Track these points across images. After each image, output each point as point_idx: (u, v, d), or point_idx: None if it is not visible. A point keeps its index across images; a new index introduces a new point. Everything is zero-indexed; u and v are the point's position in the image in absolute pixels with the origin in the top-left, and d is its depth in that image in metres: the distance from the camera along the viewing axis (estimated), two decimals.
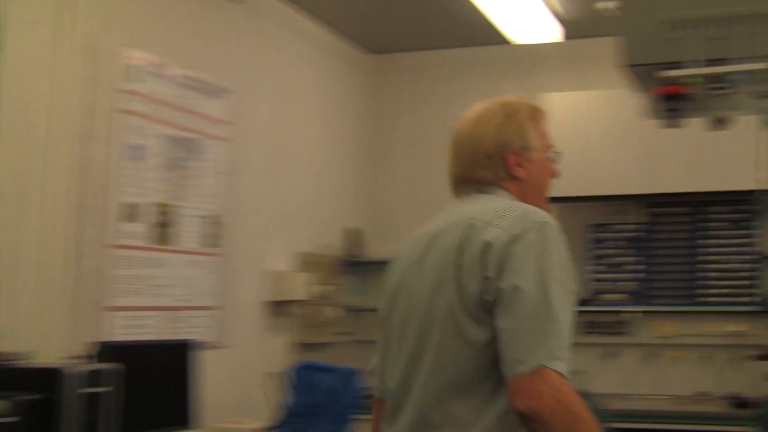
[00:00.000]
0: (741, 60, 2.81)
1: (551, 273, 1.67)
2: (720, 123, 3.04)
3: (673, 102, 2.91)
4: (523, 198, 1.87)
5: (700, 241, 5.32)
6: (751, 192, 4.91)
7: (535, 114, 1.94)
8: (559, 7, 5.18)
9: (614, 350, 5.51)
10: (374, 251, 5.91)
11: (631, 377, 5.48)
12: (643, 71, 2.98)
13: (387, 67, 6.19)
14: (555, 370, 1.62)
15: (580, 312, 5.71)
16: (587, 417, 1.63)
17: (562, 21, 5.37)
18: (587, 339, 5.52)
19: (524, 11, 5.14)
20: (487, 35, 5.57)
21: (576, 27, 5.46)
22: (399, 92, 6.17)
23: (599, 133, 5.30)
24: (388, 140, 6.15)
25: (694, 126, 3.16)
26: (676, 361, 5.40)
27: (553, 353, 1.62)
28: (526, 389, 1.61)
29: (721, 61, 2.86)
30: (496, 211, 1.76)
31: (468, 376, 1.72)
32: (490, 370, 1.70)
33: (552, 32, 5.49)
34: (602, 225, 5.52)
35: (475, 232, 1.74)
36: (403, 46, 6.05)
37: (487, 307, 1.69)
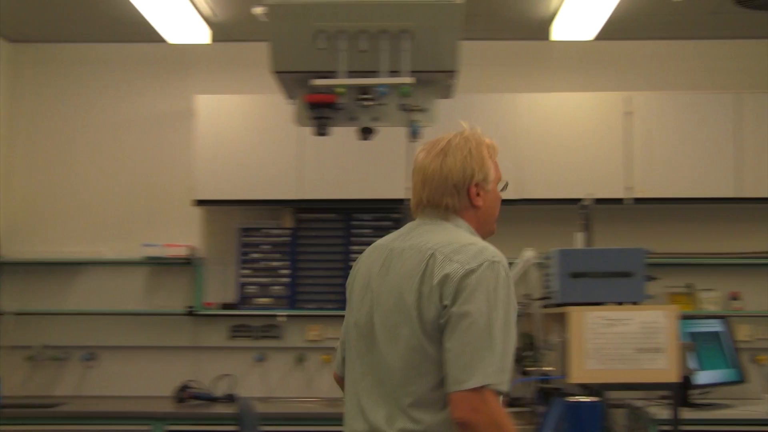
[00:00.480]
0: (388, 73, 2.92)
1: (497, 305, 1.97)
2: (368, 133, 3.14)
3: (322, 110, 2.96)
4: (479, 222, 2.22)
5: (351, 247, 5.51)
6: (400, 200, 5.18)
7: (492, 149, 2.30)
8: (207, 9, 5.13)
9: (265, 354, 5.57)
10: (11, 252, 5.53)
11: (283, 380, 5.57)
12: (293, 78, 2.99)
13: (29, 58, 5.75)
14: (491, 390, 1.93)
15: (229, 316, 5.71)
16: None
17: (211, 23, 5.34)
18: (238, 343, 5.54)
19: (175, 10, 5.01)
20: (140, 32, 5.37)
21: (228, 30, 5.45)
22: (42, 85, 5.75)
23: (250, 138, 5.31)
24: (29, 135, 5.72)
25: (346, 135, 3.25)
26: (326, 364, 5.57)
27: (489, 376, 1.93)
28: (464, 404, 1.93)
29: (369, 73, 2.95)
30: (456, 246, 2.06)
31: (435, 385, 2.02)
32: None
33: (202, 33, 5.42)
34: (253, 229, 5.53)
35: (436, 263, 2.04)
36: (47, 36, 5.66)
37: (441, 329, 2.00)
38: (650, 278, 3.73)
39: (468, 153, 2.23)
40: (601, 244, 4.09)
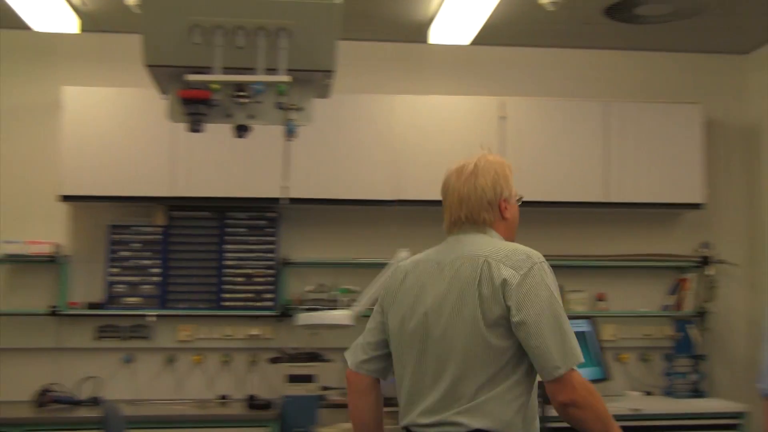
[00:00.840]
0: (265, 71, 2.89)
1: (554, 300, 2.37)
2: (243, 131, 3.10)
3: (196, 106, 2.90)
4: (507, 231, 2.60)
5: (225, 246, 5.44)
6: (275, 200, 5.15)
7: (510, 168, 2.68)
8: None
9: (133, 355, 5.43)
10: None
11: (152, 382, 5.44)
12: (167, 72, 2.92)
13: None
14: (574, 369, 2.34)
15: (96, 316, 5.52)
16: (600, 397, 2.38)
17: (80, 12, 5.17)
18: (105, 344, 5.39)
19: None
20: (3, 17, 5.16)
21: (98, 20, 5.29)
22: None
23: (121, 132, 5.16)
24: None
25: (221, 132, 3.20)
26: (197, 365, 5.48)
27: (574, 359, 2.34)
28: (565, 386, 2.32)
29: (246, 70, 2.91)
30: (505, 253, 2.43)
31: (494, 373, 2.38)
32: (509, 370, 2.40)
33: (70, 22, 5.24)
34: (123, 227, 5.38)
35: (492, 268, 2.40)
36: None
37: (505, 324, 2.37)
38: None
39: (495, 173, 2.62)
40: None
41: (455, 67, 5.84)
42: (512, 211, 2.64)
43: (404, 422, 2.54)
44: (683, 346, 5.59)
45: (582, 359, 2.36)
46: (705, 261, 5.76)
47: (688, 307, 5.71)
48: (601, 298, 5.70)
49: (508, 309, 2.37)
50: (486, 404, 2.38)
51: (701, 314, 5.71)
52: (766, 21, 5.38)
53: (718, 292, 5.76)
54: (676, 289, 5.76)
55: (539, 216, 5.67)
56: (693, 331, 5.59)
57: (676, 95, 5.82)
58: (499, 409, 2.38)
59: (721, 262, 5.78)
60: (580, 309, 5.60)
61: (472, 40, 5.51)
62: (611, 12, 5.21)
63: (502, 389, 2.39)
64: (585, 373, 5.13)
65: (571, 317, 5.34)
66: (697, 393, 5.50)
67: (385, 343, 2.66)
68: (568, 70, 5.91)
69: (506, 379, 2.40)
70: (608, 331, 5.66)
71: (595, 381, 5.21)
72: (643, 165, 5.50)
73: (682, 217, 5.85)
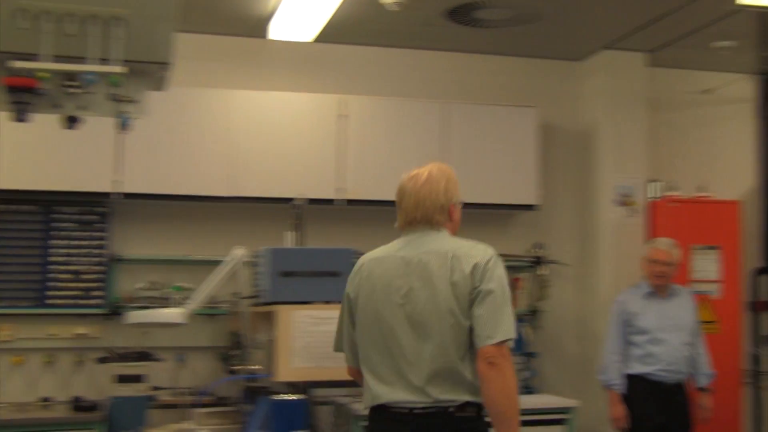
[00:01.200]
0: (97, 61, 2.86)
1: (504, 284, 2.85)
2: (73, 122, 3.05)
3: (21, 95, 2.84)
4: (454, 230, 3.05)
5: (51, 242, 5.30)
6: (106, 194, 5.05)
7: (455, 176, 3.11)
8: None
9: None
10: None
11: None
12: None
13: None
14: (507, 343, 2.77)
15: None
16: (515, 373, 2.78)
17: None
18: None
19: None
20: None
21: None
22: None
23: None
24: None
25: (49, 122, 3.13)
26: (18, 367, 5.31)
27: (508, 332, 2.77)
28: (494, 352, 2.74)
29: (77, 59, 2.87)
30: (466, 248, 2.90)
31: (462, 351, 2.81)
32: (470, 346, 2.82)
33: None
34: None
35: (460, 260, 2.85)
36: None
37: (471, 303, 2.82)
38: None
39: (446, 181, 3.07)
40: (312, 244, 4.25)
41: (296, 64, 5.90)
42: (458, 214, 3.09)
43: (381, 401, 2.87)
44: (516, 344, 5.85)
45: (513, 335, 2.82)
46: (538, 261, 6.06)
47: (521, 305, 5.99)
48: None
49: (473, 287, 2.83)
50: (463, 378, 2.82)
51: (533, 313, 6.01)
52: (599, 30, 5.75)
53: (550, 291, 6.07)
54: (511, 287, 6.03)
55: (377, 215, 5.80)
56: (525, 330, 5.86)
57: (512, 98, 6.10)
58: (471, 379, 2.82)
59: (553, 262, 6.10)
60: None
61: (314, 37, 5.58)
62: (453, 15, 5.42)
63: (469, 362, 2.82)
64: None
65: None
66: (528, 389, 5.77)
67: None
68: (409, 71, 6.09)
69: (471, 354, 2.82)
70: None
71: None
72: (479, 166, 5.75)
73: (516, 217, 6.14)
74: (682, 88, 6.61)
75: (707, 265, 6.07)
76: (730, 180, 6.61)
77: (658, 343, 5.10)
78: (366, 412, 2.96)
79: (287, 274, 3.81)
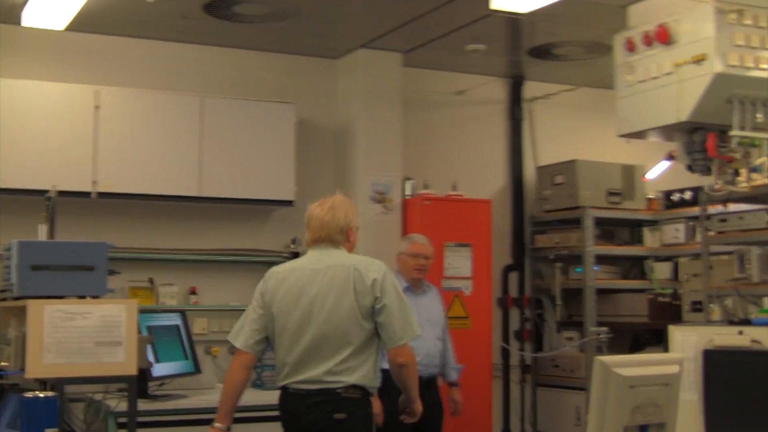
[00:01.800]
0: None
1: (398, 291, 3.82)
2: None
3: None
4: (350, 249, 3.96)
5: None
6: None
7: (353, 206, 4.07)
8: None
9: None
10: None
11: None
12: None
13: None
14: (406, 341, 3.81)
15: None
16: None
17: None
18: None
19: None
20: None
21: None
22: None
23: None
24: None
25: None
26: None
27: (412, 333, 3.81)
28: (403, 351, 3.79)
29: None
30: (366, 263, 3.83)
31: (360, 345, 3.75)
32: (369, 342, 3.78)
33: None
34: None
35: (361, 273, 3.76)
36: None
37: (371, 311, 3.75)
38: (112, 272, 4.04)
39: (346, 209, 3.95)
40: (66, 237, 4.30)
41: (51, 53, 5.87)
42: (354, 237, 3.99)
43: (286, 382, 3.81)
44: None
45: (419, 332, 3.89)
46: (294, 256, 6.33)
47: None
48: (193, 292, 6.07)
49: (375, 298, 3.75)
50: (356, 366, 3.74)
51: None
52: (357, 28, 6.11)
53: None
54: None
55: (131, 209, 5.91)
56: None
57: (271, 94, 6.34)
58: (364, 368, 3.76)
59: None
60: (171, 302, 5.91)
61: (66, 25, 5.57)
62: (210, 8, 5.60)
63: (365, 355, 3.77)
64: (177, 367, 5.47)
65: (163, 311, 5.67)
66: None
67: (264, 330, 3.87)
68: (165, 63, 6.21)
69: (368, 348, 3.78)
70: (200, 325, 6.06)
71: (186, 374, 5.55)
72: (237, 161, 5.96)
73: (274, 213, 6.41)
74: (437, 88, 7.12)
75: (459, 262, 6.54)
76: (482, 179, 7.20)
77: (416, 338, 5.45)
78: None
79: (38, 267, 3.85)
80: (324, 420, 3.74)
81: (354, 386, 3.76)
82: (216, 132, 5.92)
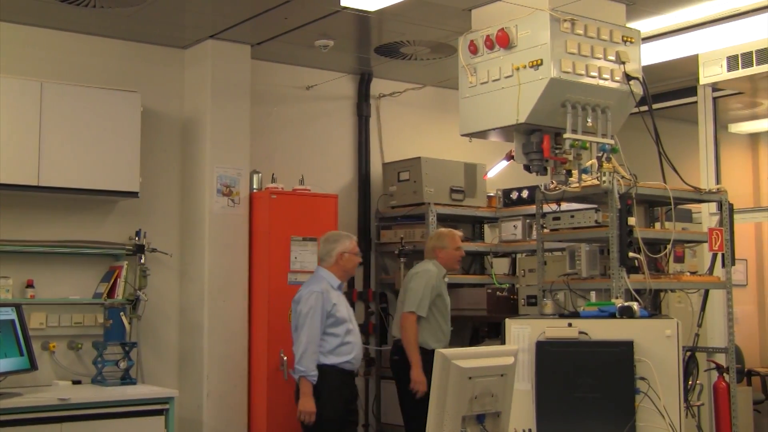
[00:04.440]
0: None
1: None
2: None
3: None
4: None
5: None
6: None
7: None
8: None
9: None
10: None
11: None
12: None
13: None
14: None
15: None
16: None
17: None
18: None
19: None
20: None
21: None
22: None
23: None
24: None
25: None
26: None
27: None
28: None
29: None
30: None
31: None
32: None
33: None
34: None
35: None
36: None
37: None
38: None
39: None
40: None
41: None
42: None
43: None
44: (114, 334, 5.98)
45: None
46: (138, 249, 6.26)
47: (120, 294, 6.14)
48: (30, 285, 5.90)
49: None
50: None
51: (133, 302, 6.19)
52: (205, 18, 6.08)
53: (150, 280, 6.30)
54: (110, 276, 6.17)
55: None
56: (124, 319, 6.02)
57: (115, 82, 6.22)
58: None
59: (153, 250, 6.33)
60: (6, 296, 5.71)
61: None
62: None
63: None
64: (11, 364, 5.32)
65: None
66: (127, 380, 5.94)
67: None
68: (4, 46, 5.99)
69: None
70: (37, 319, 5.89)
71: (20, 371, 5.40)
72: (78, 150, 5.82)
73: (117, 204, 6.30)
74: (286, 82, 7.17)
75: (306, 256, 6.59)
76: (329, 174, 7.30)
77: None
78: None
79: None
80: None
81: None
82: (57, 119, 5.77)
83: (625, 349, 3.86)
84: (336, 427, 5.61)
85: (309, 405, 5.51)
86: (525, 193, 7.04)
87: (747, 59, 6.32)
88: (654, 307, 5.77)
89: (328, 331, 5.63)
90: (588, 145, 4.90)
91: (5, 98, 5.63)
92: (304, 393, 5.55)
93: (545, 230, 5.94)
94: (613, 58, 5.01)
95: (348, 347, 5.67)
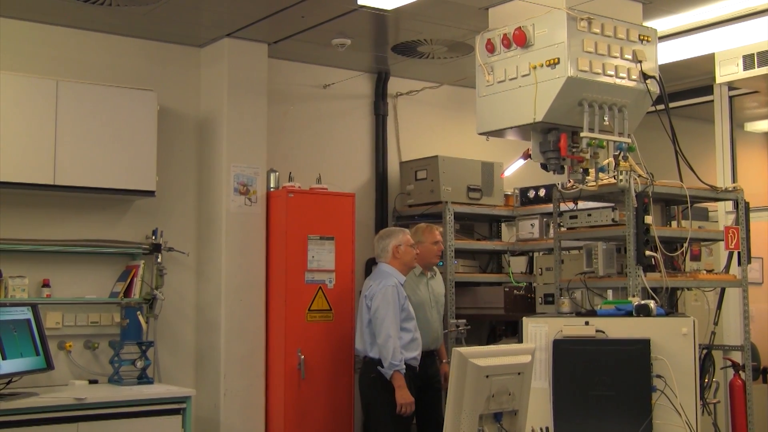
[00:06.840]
0: None
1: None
2: None
3: None
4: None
5: None
6: None
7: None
8: None
9: None
10: None
11: None
12: None
13: None
14: None
15: None
16: None
17: None
18: None
19: None
20: None
21: None
22: None
23: None
24: None
25: None
26: None
27: None
28: None
29: None
30: None
31: None
32: None
33: None
34: None
35: None
36: None
37: None
38: None
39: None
40: None
41: None
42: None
43: None
44: (131, 333, 6.02)
45: None
46: (155, 248, 6.31)
47: (137, 294, 6.18)
48: (45, 284, 5.94)
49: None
50: None
51: (149, 301, 6.24)
52: (222, 17, 6.11)
53: (166, 279, 6.35)
54: (126, 275, 6.22)
55: None
56: (141, 318, 6.07)
57: (132, 81, 6.25)
58: None
59: (170, 249, 6.38)
60: (22, 296, 5.75)
61: None
62: None
63: None
64: (27, 364, 5.37)
65: (12, 304, 5.58)
66: (144, 379, 5.98)
67: None
68: (19, 44, 6.03)
69: None
70: (53, 319, 5.93)
71: (36, 371, 5.44)
72: (94, 149, 5.85)
73: (133, 203, 6.34)
74: (303, 81, 7.20)
75: (323, 255, 6.61)
76: (346, 173, 7.33)
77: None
78: None
79: None
80: None
81: None
82: (72, 118, 5.80)
83: (642, 347, 3.89)
84: (406, 424, 5.84)
85: (407, 396, 5.74)
86: (542, 192, 7.05)
87: (763, 58, 6.32)
88: (670, 306, 5.79)
89: (402, 326, 5.81)
90: (605, 143, 4.93)
91: (21, 97, 5.67)
92: (399, 386, 5.71)
93: (562, 229, 5.96)
94: (629, 56, 5.03)
95: (416, 344, 5.90)
